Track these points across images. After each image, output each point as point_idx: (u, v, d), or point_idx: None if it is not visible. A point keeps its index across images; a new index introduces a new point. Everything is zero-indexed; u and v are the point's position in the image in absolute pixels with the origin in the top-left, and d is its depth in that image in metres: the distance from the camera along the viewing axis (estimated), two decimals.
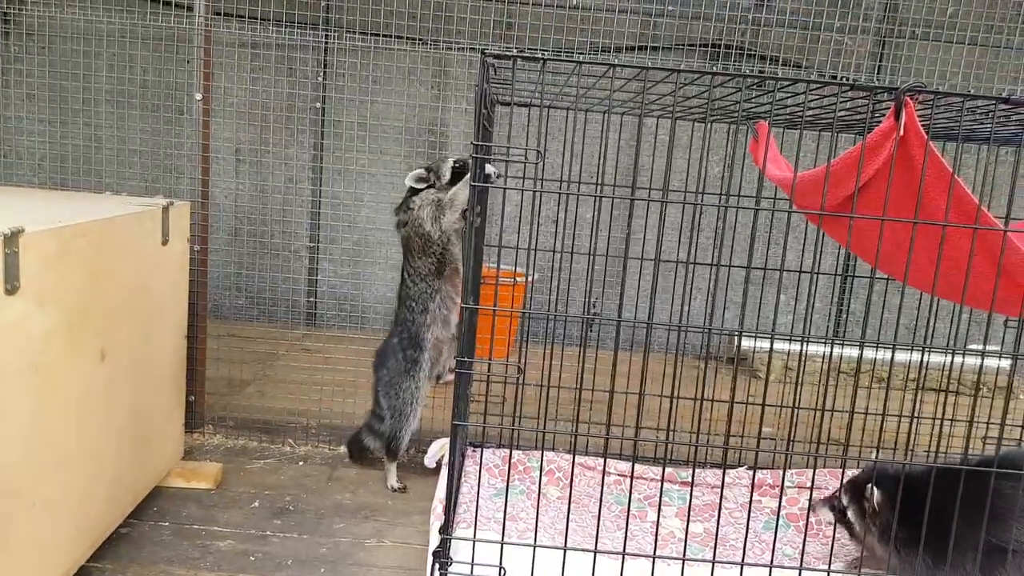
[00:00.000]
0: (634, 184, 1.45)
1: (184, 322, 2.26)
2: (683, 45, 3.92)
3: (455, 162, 2.27)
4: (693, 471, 1.67)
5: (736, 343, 2.14)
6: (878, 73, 3.91)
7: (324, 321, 4.05)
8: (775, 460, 2.52)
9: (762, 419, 1.84)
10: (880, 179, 1.47)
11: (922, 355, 1.53)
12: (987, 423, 2.22)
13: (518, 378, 1.46)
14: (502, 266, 3.51)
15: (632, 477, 1.63)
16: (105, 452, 1.83)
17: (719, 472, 2.36)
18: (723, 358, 3.90)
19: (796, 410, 1.70)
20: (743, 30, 3.87)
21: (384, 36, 3.66)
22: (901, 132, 1.36)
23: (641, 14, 3.79)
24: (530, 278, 2.59)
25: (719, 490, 2.31)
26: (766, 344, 3.72)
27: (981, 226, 1.39)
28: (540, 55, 1.31)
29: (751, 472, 2.44)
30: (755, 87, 1.45)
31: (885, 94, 1.38)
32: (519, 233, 2.15)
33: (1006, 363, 3.19)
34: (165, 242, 2.05)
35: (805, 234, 2.98)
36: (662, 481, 1.65)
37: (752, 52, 3.93)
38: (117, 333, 1.82)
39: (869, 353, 3.47)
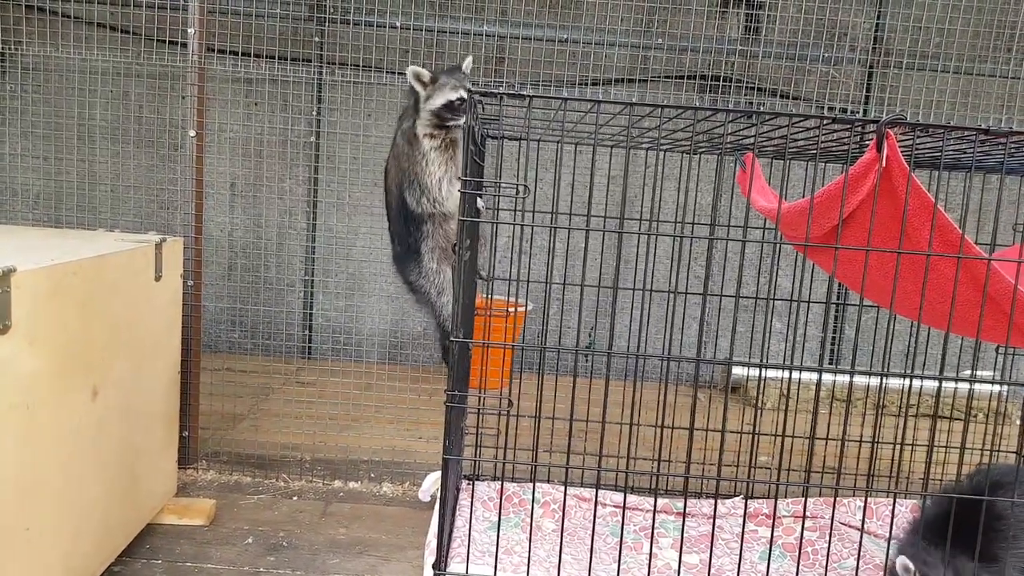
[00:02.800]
0: (622, 215, 1.46)
1: (177, 358, 2.26)
2: (674, 77, 3.98)
3: (457, 99, 2.27)
4: (685, 501, 1.66)
5: (727, 372, 2.14)
6: (867, 103, 3.96)
7: (320, 353, 4.04)
8: (770, 489, 2.51)
9: (756, 447, 1.83)
10: (864, 210, 1.49)
11: (909, 382, 1.54)
12: (980, 449, 2.22)
13: (508, 410, 1.46)
14: (499, 296, 3.53)
15: (624, 508, 1.62)
16: (96, 490, 1.81)
17: (713, 503, 2.35)
18: (717, 386, 3.89)
19: (784, 438, 1.70)
20: (733, 62, 3.93)
21: (377, 71, 3.70)
22: (883, 164, 1.38)
23: (630, 47, 3.85)
24: (520, 309, 2.59)
25: (716, 519, 2.30)
26: (764, 373, 3.73)
27: (965, 255, 1.41)
28: (527, 92, 1.33)
29: (746, 501, 2.44)
30: (738, 120, 1.48)
31: (867, 126, 1.40)
32: (510, 264, 2.17)
33: (997, 389, 3.19)
34: (158, 278, 2.06)
35: (795, 262, 3.00)
36: (654, 512, 1.65)
37: (742, 83, 3.99)
38: (109, 371, 1.82)
39: (863, 380, 3.48)
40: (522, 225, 1.40)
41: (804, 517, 1.57)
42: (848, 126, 1.41)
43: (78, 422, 1.70)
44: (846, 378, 3.48)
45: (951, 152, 1.78)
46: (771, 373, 3.50)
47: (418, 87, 2.36)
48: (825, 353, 3.96)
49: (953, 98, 3.66)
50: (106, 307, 1.79)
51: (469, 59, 2.46)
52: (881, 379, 1.66)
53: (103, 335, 1.79)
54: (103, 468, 1.84)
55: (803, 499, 2.21)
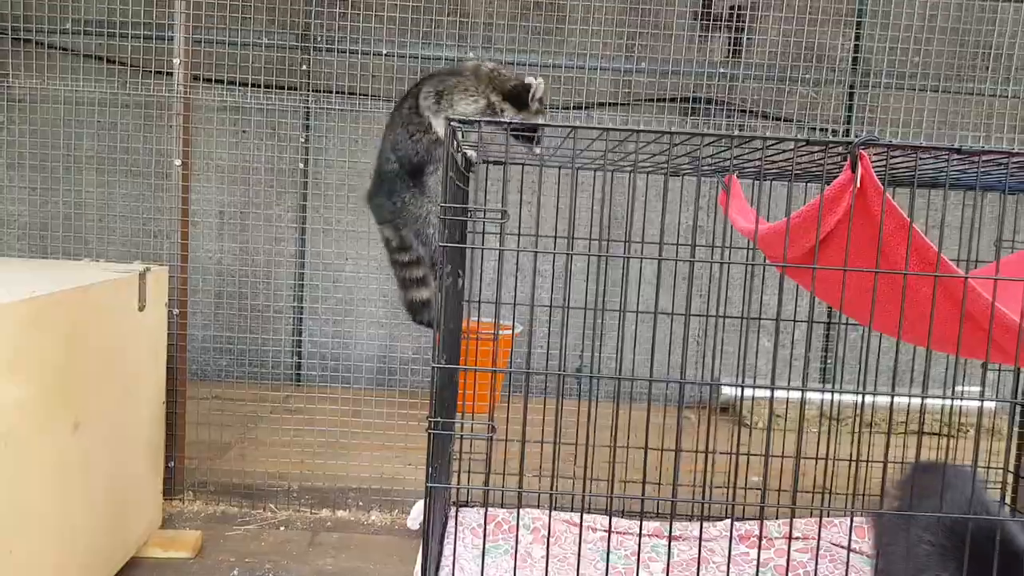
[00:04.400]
0: (605, 239, 1.47)
1: (162, 388, 2.25)
2: (655, 100, 4.02)
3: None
4: (671, 525, 1.65)
5: (714, 392, 2.15)
6: (849, 122, 4.01)
7: (309, 380, 4.03)
8: (762, 509, 2.50)
9: (740, 467, 1.83)
10: (842, 229, 1.50)
11: (891, 401, 1.55)
12: (974, 465, 2.22)
13: (491, 436, 1.46)
14: (487, 319, 3.53)
15: (610, 532, 1.61)
16: (79, 523, 1.80)
17: (708, 525, 2.34)
18: (707, 406, 3.89)
19: (768, 458, 1.70)
20: (717, 84, 3.98)
21: (362, 97, 3.73)
22: (858, 184, 1.39)
23: (612, 72, 3.89)
24: (503, 333, 2.59)
25: (707, 543, 2.28)
26: (748, 391, 3.73)
27: (942, 274, 1.42)
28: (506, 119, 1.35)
29: (731, 523, 2.43)
30: (714, 144, 1.49)
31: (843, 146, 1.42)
32: (497, 287, 2.17)
33: (989, 404, 3.20)
34: (142, 308, 2.05)
35: (781, 280, 3.01)
36: (640, 536, 1.64)
37: (726, 105, 4.03)
38: (91, 402, 1.81)
39: (851, 398, 3.48)
40: (500, 249, 1.40)
41: (790, 538, 1.56)
42: (823, 147, 1.43)
43: (60, 454, 1.69)
44: (837, 396, 3.49)
45: (928, 170, 1.80)
46: (760, 392, 3.50)
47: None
48: (808, 372, 3.95)
49: (933, 116, 3.70)
50: (89, 339, 1.79)
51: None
52: (861, 397, 1.67)
53: (85, 367, 1.78)
54: (86, 500, 1.82)
55: (790, 520, 2.21)
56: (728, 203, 1.96)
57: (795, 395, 3.44)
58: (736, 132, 4.16)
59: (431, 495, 1.47)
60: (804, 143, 1.39)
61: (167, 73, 2.75)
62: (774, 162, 1.79)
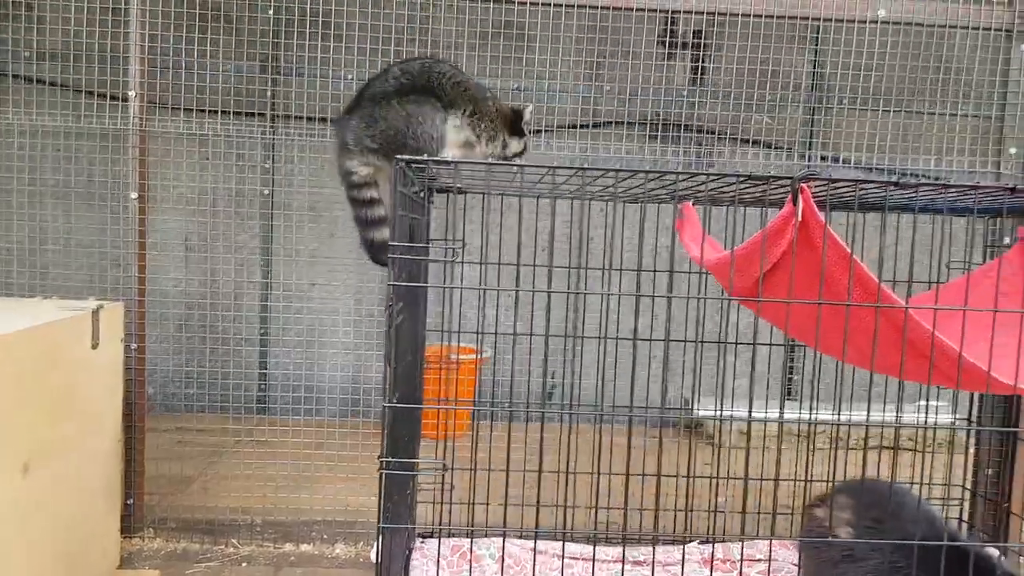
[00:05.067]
0: (549, 274, 1.48)
1: (118, 426, 2.21)
2: (623, 123, 4.06)
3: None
4: (624, 550, 1.65)
5: (684, 410, 2.16)
6: (810, 142, 4.07)
7: (276, 409, 3.99)
8: (726, 533, 2.51)
9: (714, 489, 1.84)
10: (788, 260, 1.53)
11: (836, 426, 1.56)
12: (931, 484, 2.24)
13: (444, 473, 1.45)
14: (454, 344, 3.52)
15: (563, 557, 1.61)
16: (32, 567, 1.76)
17: (671, 549, 2.34)
18: (679, 426, 3.91)
19: (719, 480, 1.71)
20: (680, 107, 4.03)
21: (329, 123, 3.72)
22: (799, 218, 1.41)
23: (576, 96, 3.93)
24: (467, 358, 2.59)
25: (672, 567, 2.28)
26: (711, 407, 3.74)
27: (883, 304, 1.44)
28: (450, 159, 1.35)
29: (704, 547, 2.44)
30: (658, 179, 1.51)
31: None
32: (454, 311, 2.17)
33: (948, 419, 3.23)
34: (95, 346, 2.03)
35: (727, 305, 3.04)
36: (593, 562, 1.64)
37: (690, 125, 4.08)
38: (42, 445, 1.78)
39: (820, 416, 3.50)
40: (451, 288, 1.40)
41: (741, 561, 1.56)
42: (763, 182, 1.45)
43: (9, 498, 1.65)
44: (803, 414, 3.52)
45: (876, 198, 1.83)
46: (721, 410, 3.53)
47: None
48: (758, 392, 3.99)
49: (893, 137, 3.77)
50: (39, 380, 1.76)
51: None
52: (811, 415, 1.68)
53: (35, 408, 1.75)
54: (38, 545, 1.78)
55: (761, 542, 2.21)
56: (684, 229, 1.98)
57: (760, 414, 3.46)
58: (702, 150, 4.21)
59: (384, 536, 1.45)
60: (746, 178, 1.41)
61: (123, 100, 2.73)
62: (723, 192, 1.81)
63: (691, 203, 1.98)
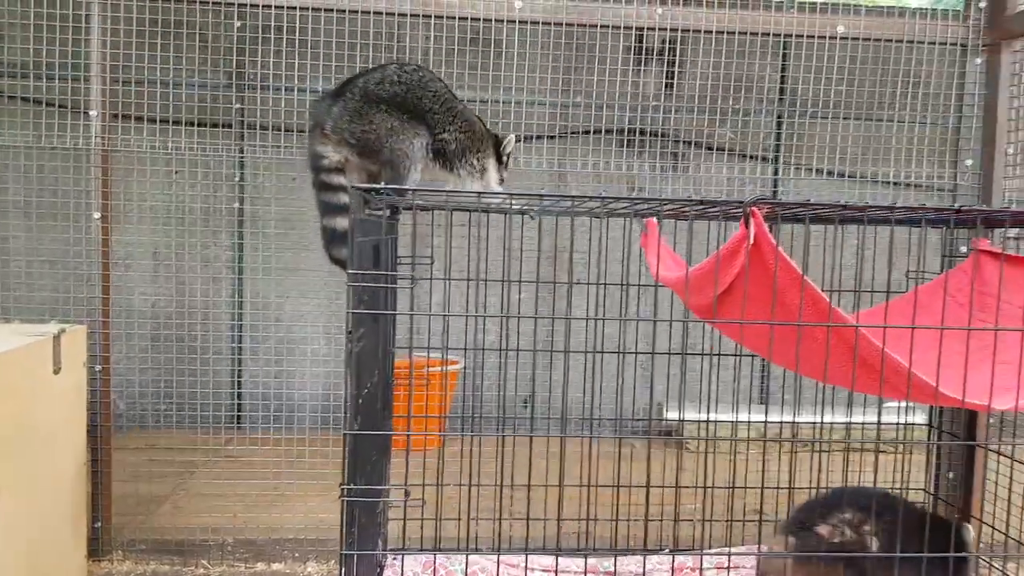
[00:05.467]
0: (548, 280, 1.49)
1: (82, 450, 2.20)
2: (595, 132, 4.09)
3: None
4: (586, 561, 1.67)
5: (652, 414, 2.19)
6: (777, 150, 4.13)
7: (250, 422, 3.97)
8: (694, 542, 2.53)
9: (648, 500, 1.86)
10: (743, 280, 1.56)
11: (793, 424, 1.59)
12: (892, 486, 2.28)
13: (405, 501, 1.46)
14: (427, 355, 3.53)
15: (526, 569, 1.62)
16: None
17: (640, 559, 2.36)
18: (651, 432, 3.94)
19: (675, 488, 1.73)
20: (651, 116, 4.06)
21: (300, 133, 3.71)
22: (751, 241, 1.44)
23: (548, 106, 3.95)
24: (431, 370, 2.59)
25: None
26: (691, 415, 3.78)
27: (834, 323, 1.47)
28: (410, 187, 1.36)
29: (672, 556, 2.46)
30: (611, 204, 1.53)
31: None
32: (424, 325, 2.18)
33: (914, 418, 3.28)
34: (57, 371, 2.01)
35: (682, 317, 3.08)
36: (556, 573, 1.65)
37: (662, 134, 4.12)
38: (2, 474, 1.76)
39: (786, 419, 3.54)
40: (412, 314, 1.42)
41: (701, 569, 1.59)
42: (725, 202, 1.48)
43: None
44: (773, 417, 3.56)
45: (828, 214, 1.86)
46: (696, 416, 3.57)
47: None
48: (725, 398, 4.04)
49: (858, 144, 3.83)
50: None
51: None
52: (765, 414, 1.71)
53: None
54: (1, 572, 1.77)
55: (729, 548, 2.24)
56: (648, 245, 2.00)
57: (733, 417, 3.50)
58: (677, 161, 4.23)
59: (348, 562, 1.46)
60: (698, 203, 1.44)
61: (85, 112, 2.70)
62: (683, 211, 1.83)
63: (655, 219, 2.01)
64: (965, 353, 1.56)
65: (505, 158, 2.03)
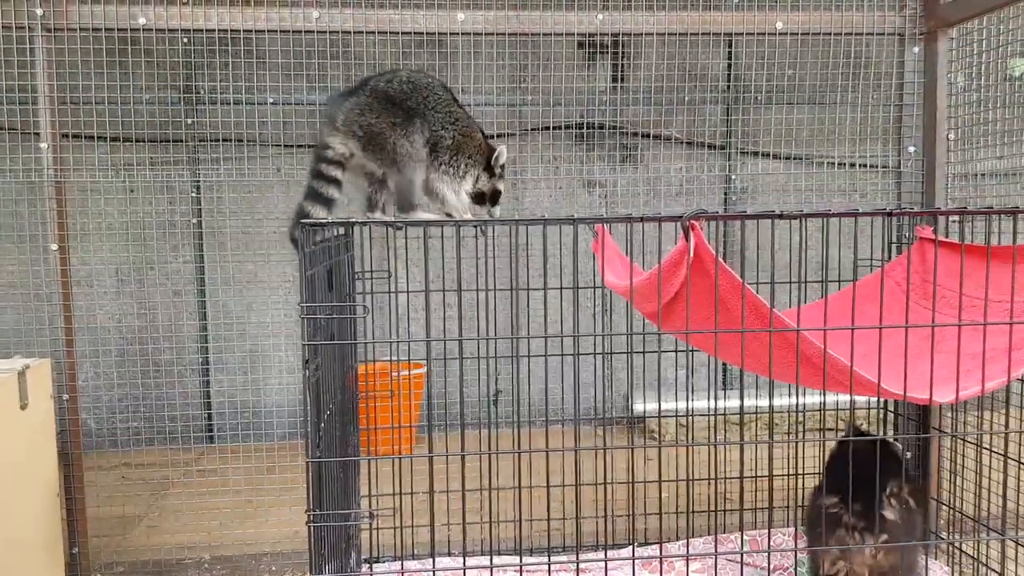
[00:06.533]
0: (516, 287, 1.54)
1: (53, 480, 2.21)
2: (551, 128, 4.13)
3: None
4: (549, 559, 1.73)
5: (623, 408, 2.25)
6: (728, 137, 4.20)
7: (222, 435, 3.98)
8: (661, 533, 2.61)
9: (612, 496, 1.92)
10: (690, 287, 1.62)
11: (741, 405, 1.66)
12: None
13: (371, 523, 1.51)
14: (395, 358, 3.57)
15: (492, 568, 1.68)
16: None
17: (613, 552, 2.43)
18: (620, 420, 4.03)
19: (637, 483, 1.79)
20: (603, 109, 4.11)
21: (251, 144, 3.70)
22: (692, 254, 1.50)
23: (502, 105, 3.98)
24: (417, 372, 2.63)
25: (611, 572, 2.38)
26: (661, 405, 3.86)
27: (776, 328, 1.54)
28: (354, 220, 1.39)
29: (641, 548, 2.54)
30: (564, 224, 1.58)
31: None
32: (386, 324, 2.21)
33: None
34: (24, 407, 2.02)
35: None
36: (520, 570, 1.71)
37: (613, 127, 4.17)
38: None
39: (751, 404, 3.65)
40: (365, 342, 1.45)
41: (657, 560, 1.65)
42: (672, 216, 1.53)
43: None
44: (735, 403, 3.66)
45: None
46: (668, 405, 3.65)
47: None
48: (681, 385, 4.13)
49: (809, 128, 3.90)
50: None
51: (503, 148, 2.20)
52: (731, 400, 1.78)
53: None
54: None
55: (696, 539, 2.30)
56: (599, 251, 2.05)
57: (699, 405, 3.59)
58: (620, 147, 4.29)
59: None
60: (639, 219, 1.49)
61: (35, 133, 2.68)
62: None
63: (606, 226, 2.06)
64: (904, 351, 1.63)
65: (499, 169, 2.07)
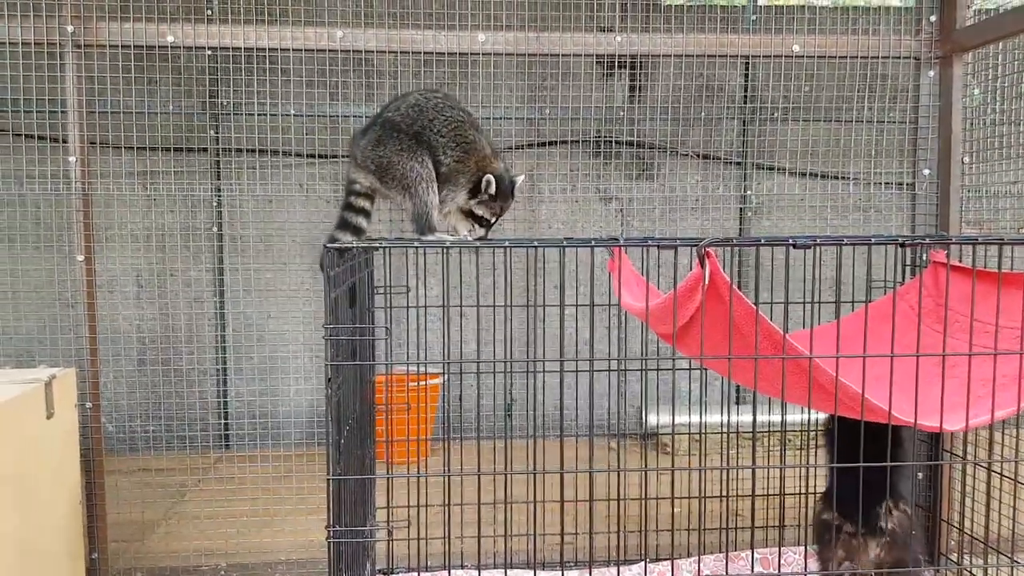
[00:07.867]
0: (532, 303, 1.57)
1: (76, 489, 2.26)
2: (567, 142, 4.17)
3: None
4: (563, 573, 1.76)
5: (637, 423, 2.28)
6: (744, 152, 4.22)
7: (238, 441, 4.03)
8: (673, 550, 2.63)
9: (624, 512, 1.94)
10: (705, 311, 1.65)
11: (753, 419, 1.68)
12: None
13: (390, 535, 1.54)
14: (412, 369, 3.61)
15: None
16: None
17: (625, 569, 2.46)
18: (634, 435, 4.05)
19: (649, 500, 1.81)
20: (620, 124, 4.15)
21: (275, 155, 3.76)
22: (707, 281, 1.53)
23: (521, 121, 4.02)
24: (433, 382, 2.66)
25: None
26: (675, 419, 3.88)
27: (789, 355, 1.56)
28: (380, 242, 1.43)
29: (653, 565, 2.56)
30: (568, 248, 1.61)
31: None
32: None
33: None
34: (50, 416, 2.07)
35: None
36: None
37: (631, 142, 4.20)
38: (1, 520, 1.83)
39: (763, 418, 3.66)
40: (387, 363, 1.49)
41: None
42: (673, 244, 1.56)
43: None
44: (750, 418, 3.67)
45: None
46: (681, 419, 3.67)
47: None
48: (695, 400, 4.13)
49: (826, 145, 3.92)
50: None
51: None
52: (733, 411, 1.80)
53: None
54: None
55: (708, 556, 2.32)
56: (616, 271, 2.09)
57: (712, 420, 3.60)
58: (637, 162, 4.31)
59: None
60: (655, 244, 1.52)
61: (63, 142, 2.74)
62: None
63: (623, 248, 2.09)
64: (915, 377, 1.64)
65: (486, 196, 2.03)
